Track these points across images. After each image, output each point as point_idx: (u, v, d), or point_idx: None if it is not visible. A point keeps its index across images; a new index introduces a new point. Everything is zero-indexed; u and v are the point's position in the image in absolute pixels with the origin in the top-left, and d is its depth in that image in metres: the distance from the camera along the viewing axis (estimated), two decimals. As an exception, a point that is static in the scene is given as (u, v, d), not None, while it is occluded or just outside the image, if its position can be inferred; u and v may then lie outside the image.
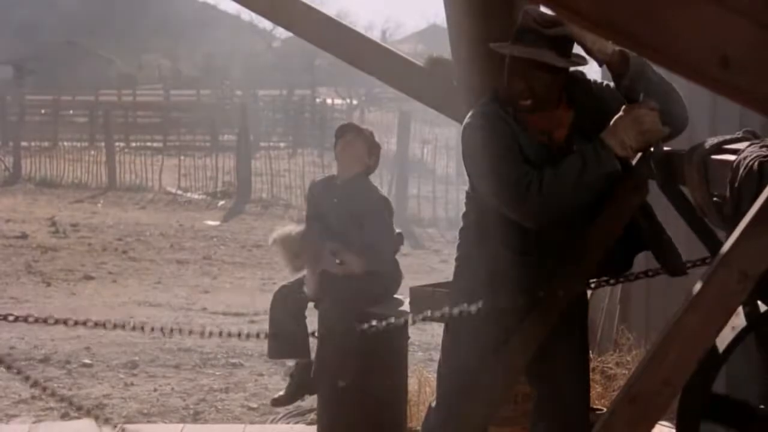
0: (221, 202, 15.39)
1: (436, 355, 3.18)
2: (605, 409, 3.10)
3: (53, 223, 12.80)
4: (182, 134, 22.81)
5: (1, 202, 14.88)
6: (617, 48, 2.75)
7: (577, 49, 2.86)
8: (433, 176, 15.34)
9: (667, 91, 2.82)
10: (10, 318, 3.04)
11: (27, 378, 3.44)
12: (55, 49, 40.08)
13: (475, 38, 3.21)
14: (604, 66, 2.87)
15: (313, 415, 4.87)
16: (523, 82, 2.80)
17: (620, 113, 2.78)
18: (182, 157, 17.60)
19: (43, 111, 24.29)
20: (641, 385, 2.25)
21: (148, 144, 22.06)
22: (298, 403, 5.69)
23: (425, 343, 6.81)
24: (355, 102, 29.32)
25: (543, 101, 2.83)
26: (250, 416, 5.54)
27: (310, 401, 5.00)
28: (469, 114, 2.91)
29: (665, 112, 2.78)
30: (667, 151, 2.81)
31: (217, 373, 6.37)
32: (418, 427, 3.45)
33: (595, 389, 4.38)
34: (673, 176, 2.73)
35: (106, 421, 3.61)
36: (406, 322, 3.43)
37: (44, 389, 3.54)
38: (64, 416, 5.37)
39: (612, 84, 2.94)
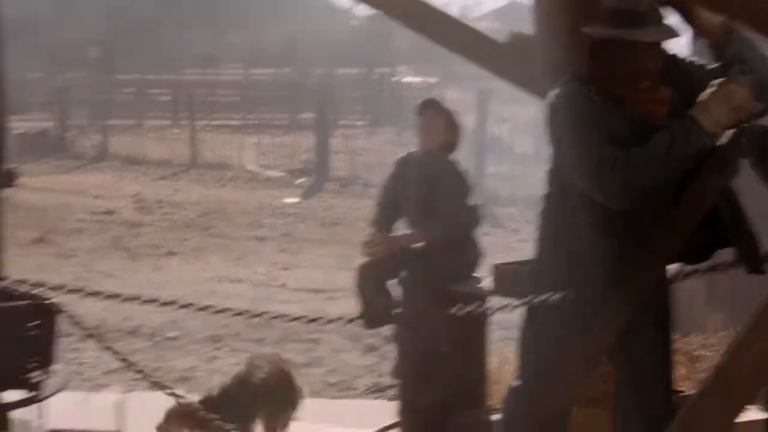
0: (300, 180, 15.56)
1: (516, 334, 3.17)
2: (689, 392, 3.04)
3: (138, 200, 13.14)
4: (261, 113, 23.07)
5: (89, 179, 15.34)
6: (722, 20, 2.67)
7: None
8: (511, 155, 15.21)
9: (765, 67, 2.73)
10: (101, 296, 3.14)
11: (107, 349, 3.53)
12: (140, 27, 40.91)
13: (559, 13, 3.16)
14: (690, 41, 2.79)
15: (393, 391, 4.91)
16: (635, 64, 2.73)
17: (710, 89, 2.71)
18: (261, 135, 17.82)
19: (129, 90, 24.86)
20: (731, 369, 2.20)
21: (229, 123, 22.41)
22: (378, 379, 5.75)
23: (505, 320, 6.76)
24: (433, 80, 29.21)
25: (657, 78, 2.77)
26: (329, 392, 5.61)
27: (390, 378, 5.03)
28: (553, 93, 2.86)
29: (760, 87, 2.69)
30: (762, 127, 2.73)
31: (298, 348, 6.47)
32: (498, 405, 3.44)
33: (680, 371, 4.30)
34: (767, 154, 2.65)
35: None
36: (489, 308, 3.41)
37: (129, 363, 3.63)
38: (153, 387, 5.52)
39: (696, 59, 2.86)
